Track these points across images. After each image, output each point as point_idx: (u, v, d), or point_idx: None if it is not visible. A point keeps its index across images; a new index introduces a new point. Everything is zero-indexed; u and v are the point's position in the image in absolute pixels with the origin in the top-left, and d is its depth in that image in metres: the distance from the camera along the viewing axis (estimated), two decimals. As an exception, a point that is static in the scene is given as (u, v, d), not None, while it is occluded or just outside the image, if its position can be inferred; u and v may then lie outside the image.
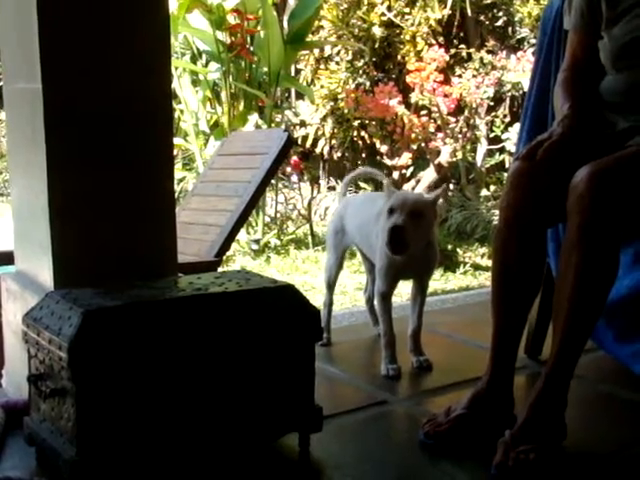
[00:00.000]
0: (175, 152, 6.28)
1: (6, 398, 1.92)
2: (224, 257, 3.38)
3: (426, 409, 1.99)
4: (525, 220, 1.80)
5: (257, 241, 5.38)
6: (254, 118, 5.56)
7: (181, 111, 5.91)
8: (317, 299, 3.44)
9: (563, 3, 2.09)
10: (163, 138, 1.88)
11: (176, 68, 5.61)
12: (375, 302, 2.34)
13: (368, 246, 2.38)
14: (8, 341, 1.99)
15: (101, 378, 1.43)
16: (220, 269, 2.87)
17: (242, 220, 2.91)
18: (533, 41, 6.29)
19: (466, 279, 4.98)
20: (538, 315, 2.28)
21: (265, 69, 5.72)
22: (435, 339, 2.59)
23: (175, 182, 5.17)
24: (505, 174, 6.35)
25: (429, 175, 5.67)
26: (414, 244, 2.12)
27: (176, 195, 5.57)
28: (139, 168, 1.86)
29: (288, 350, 1.65)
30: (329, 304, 2.56)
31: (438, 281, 4.80)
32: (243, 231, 5.47)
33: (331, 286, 2.56)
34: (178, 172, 5.90)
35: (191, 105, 5.80)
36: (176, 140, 6.10)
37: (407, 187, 5.75)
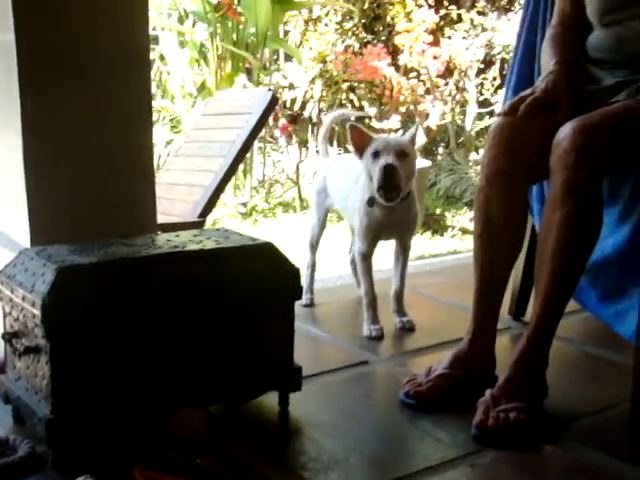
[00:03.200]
0: (162, 115, 6.19)
1: (-17, 357, 1.90)
2: (209, 219, 3.35)
3: (408, 369, 1.98)
4: (507, 176, 1.77)
5: (244, 204, 5.34)
6: (241, 80, 5.48)
7: (168, 73, 5.82)
8: (304, 263, 3.41)
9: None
10: (141, 91, 1.84)
11: (162, 29, 5.51)
12: (356, 262, 2.32)
13: (347, 208, 2.36)
14: (-14, 300, 1.96)
15: (75, 335, 1.41)
16: (205, 230, 2.84)
17: (226, 180, 2.88)
18: (524, 1, 6.21)
19: (454, 243, 4.96)
20: (522, 275, 2.26)
21: (253, 30, 5.63)
22: (419, 301, 2.57)
23: (162, 145, 5.10)
24: (495, 138, 6.29)
25: (418, 138, 5.61)
26: (403, 187, 2.10)
27: (163, 158, 5.50)
28: (117, 123, 1.82)
29: (267, 308, 1.63)
30: (312, 265, 2.54)
31: (426, 245, 4.78)
32: (230, 194, 5.42)
33: (314, 247, 2.54)
34: (165, 134, 5.83)
35: (178, 67, 5.71)
36: (163, 102, 6.00)
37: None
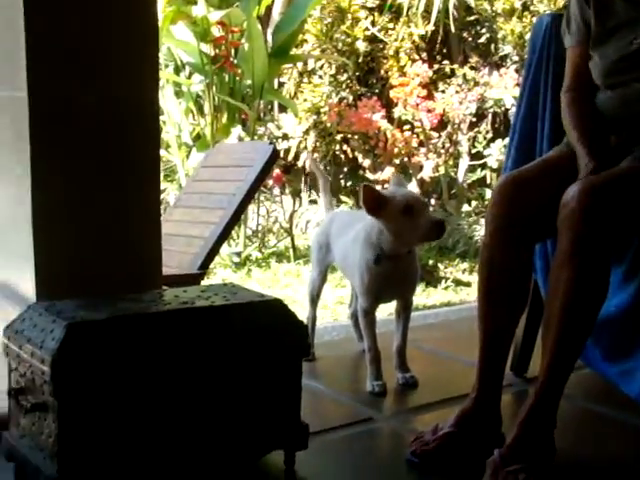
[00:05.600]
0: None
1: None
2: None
3: (412, 427, 1.97)
4: (511, 234, 1.79)
5: (238, 254, 5.33)
6: (237, 130, 5.53)
7: (164, 122, 5.86)
8: (299, 313, 3.40)
9: (552, 22, 2.09)
10: (150, 149, 1.86)
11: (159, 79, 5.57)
12: (359, 318, 2.31)
13: (346, 266, 2.36)
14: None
15: (84, 393, 1.40)
16: (202, 282, 2.84)
17: (226, 233, 2.88)
18: (516, 58, 6.32)
19: (448, 294, 4.96)
20: (524, 332, 2.26)
21: (249, 82, 5.70)
22: (420, 355, 2.56)
23: (158, 193, 5.00)
24: (487, 190, 6.35)
25: (411, 190, 5.66)
26: None
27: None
28: (125, 178, 1.83)
29: (275, 365, 1.62)
30: (313, 319, 2.53)
31: (420, 296, 4.77)
32: (224, 244, 5.42)
33: (314, 300, 2.54)
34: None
35: (174, 117, 5.75)
36: (158, 151, 6.03)
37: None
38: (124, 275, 1.83)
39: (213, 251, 2.82)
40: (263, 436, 1.63)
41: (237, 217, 2.93)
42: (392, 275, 2.18)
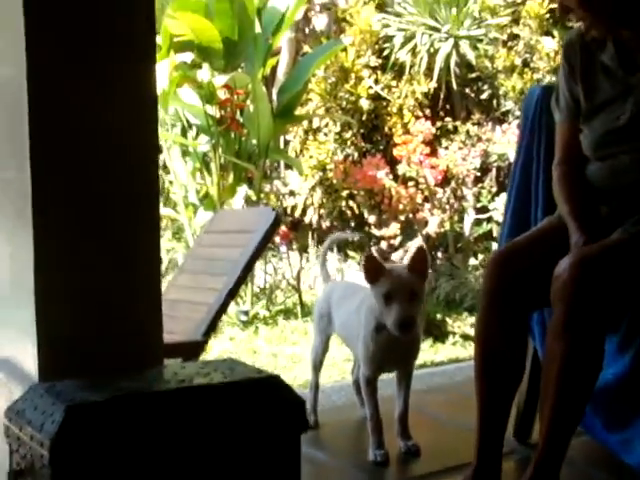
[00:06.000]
0: (164, 223, 6.29)
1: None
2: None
3: (415, 498, 1.96)
4: (505, 307, 1.83)
5: (246, 312, 5.36)
6: (243, 189, 5.61)
7: (170, 182, 5.96)
8: (306, 371, 3.41)
9: (543, 94, 2.14)
10: (149, 229, 1.89)
11: (166, 140, 5.67)
12: (361, 386, 2.32)
13: (348, 335, 2.38)
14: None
15: (83, 477, 1.41)
16: (209, 342, 2.86)
17: (230, 298, 2.91)
18: (518, 113, 6.41)
19: (456, 350, 4.96)
20: (526, 398, 2.27)
21: (254, 141, 5.80)
22: (423, 421, 2.56)
23: (164, 252, 5.11)
24: (493, 243, 6.38)
25: (417, 245, 5.70)
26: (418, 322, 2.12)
27: (164, 265, 5.54)
28: (125, 256, 1.86)
29: (273, 442, 1.63)
30: (315, 386, 2.54)
31: (427, 352, 4.76)
32: (232, 302, 5.44)
33: (317, 368, 2.56)
34: (167, 242, 5.91)
35: (181, 177, 5.85)
36: (165, 211, 6.12)
37: (395, 256, 5.76)
38: (125, 350, 1.84)
39: (217, 317, 2.85)
40: (262, 513, 1.63)
41: (240, 283, 2.97)
42: (394, 344, 2.18)
